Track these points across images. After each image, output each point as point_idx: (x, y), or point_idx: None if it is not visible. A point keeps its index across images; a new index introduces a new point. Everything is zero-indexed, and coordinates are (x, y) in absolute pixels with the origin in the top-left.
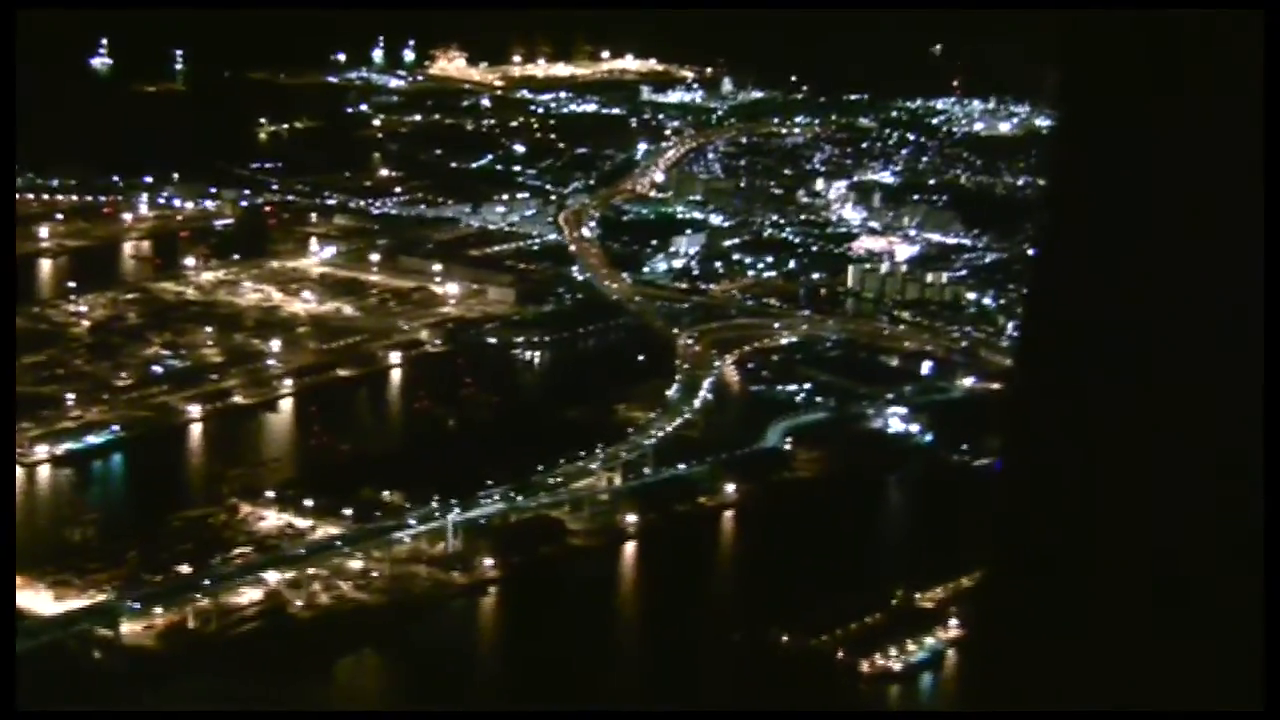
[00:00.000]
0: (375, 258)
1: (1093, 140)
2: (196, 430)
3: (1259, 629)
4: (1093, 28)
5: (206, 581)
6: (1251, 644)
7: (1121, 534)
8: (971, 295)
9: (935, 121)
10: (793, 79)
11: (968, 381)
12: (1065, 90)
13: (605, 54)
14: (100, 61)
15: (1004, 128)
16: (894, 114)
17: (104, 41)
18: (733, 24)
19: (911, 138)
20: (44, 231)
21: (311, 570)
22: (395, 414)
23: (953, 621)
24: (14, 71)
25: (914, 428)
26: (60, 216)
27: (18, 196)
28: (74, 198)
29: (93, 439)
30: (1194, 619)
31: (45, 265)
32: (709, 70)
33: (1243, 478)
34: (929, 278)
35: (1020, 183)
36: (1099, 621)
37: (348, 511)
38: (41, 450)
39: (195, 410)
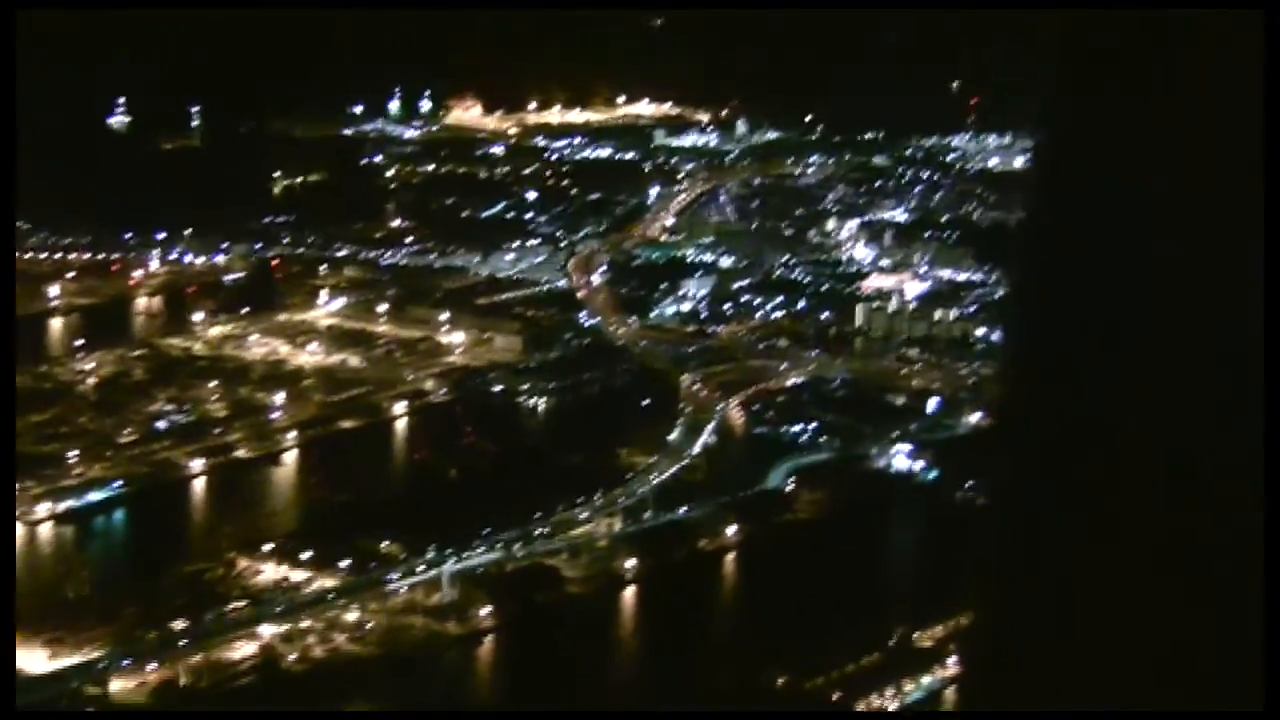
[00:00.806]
0: (382, 308)
1: (1086, 141)
2: (198, 485)
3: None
4: (1088, 28)
5: (199, 637)
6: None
7: (1123, 539)
8: (981, 331)
9: (950, 158)
10: (807, 119)
11: (974, 418)
12: (1057, 90)
13: (621, 99)
14: (119, 119)
15: (1018, 162)
16: (908, 152)
17: (122, 100)
18: (747, 66)
19: (925, 175)
20: (54, 290)
21: (305, 623)
22: (396, 465)
23: (951, 660)
24: (14, 72)
25: (918, 466)
26: (71, 275)
27: (30, 256)
28: (86, 255)
29: (94, 496)
30: (1200, 624)
31: (54, 324)
32: (725, 113)
33: (1244, 479)
34: (937, 315)
35: None
36: (1099, 628)
37: (345, 563)
38: (43, 509)
39: (197, 465)
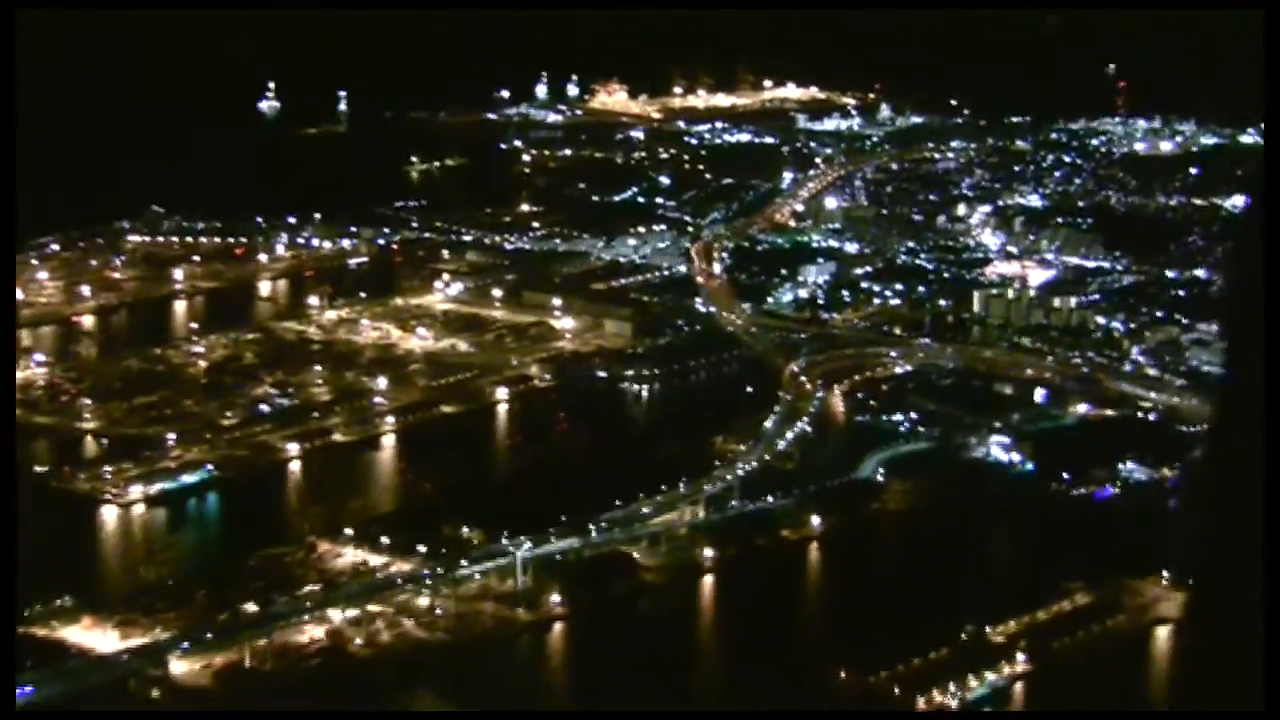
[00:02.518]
0: (498, 293)
1: None
2: (292, 468)
3: None
4: None
5: (269, 620)
6: None
7: None
8: (1101, 320)
9: (1096, 142)
10: (953, 103)
11: (1080, 408)
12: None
13: (767, 83)
14: (268, 105)
15: (1165, 146)
16: (1054, 135)
17: (271, 85)
18: (895, 49)
19: (1068, 159)
20: (179, 274)
21: (375, 608)
22: (489, 451)
23: (1020, 656)
24: (14, 71)
25: (1016, 457)
26: (197, 259)
27: (161, 240)
28: (216, 240)
29: (187, 479)
30: None
31: (176, 307)
32: (870, 96)
33: None
34: (1056, 302)
35: (1173, 202)
36: None
37: (423, 549)
38: (136, 490)
39: (294, 449)
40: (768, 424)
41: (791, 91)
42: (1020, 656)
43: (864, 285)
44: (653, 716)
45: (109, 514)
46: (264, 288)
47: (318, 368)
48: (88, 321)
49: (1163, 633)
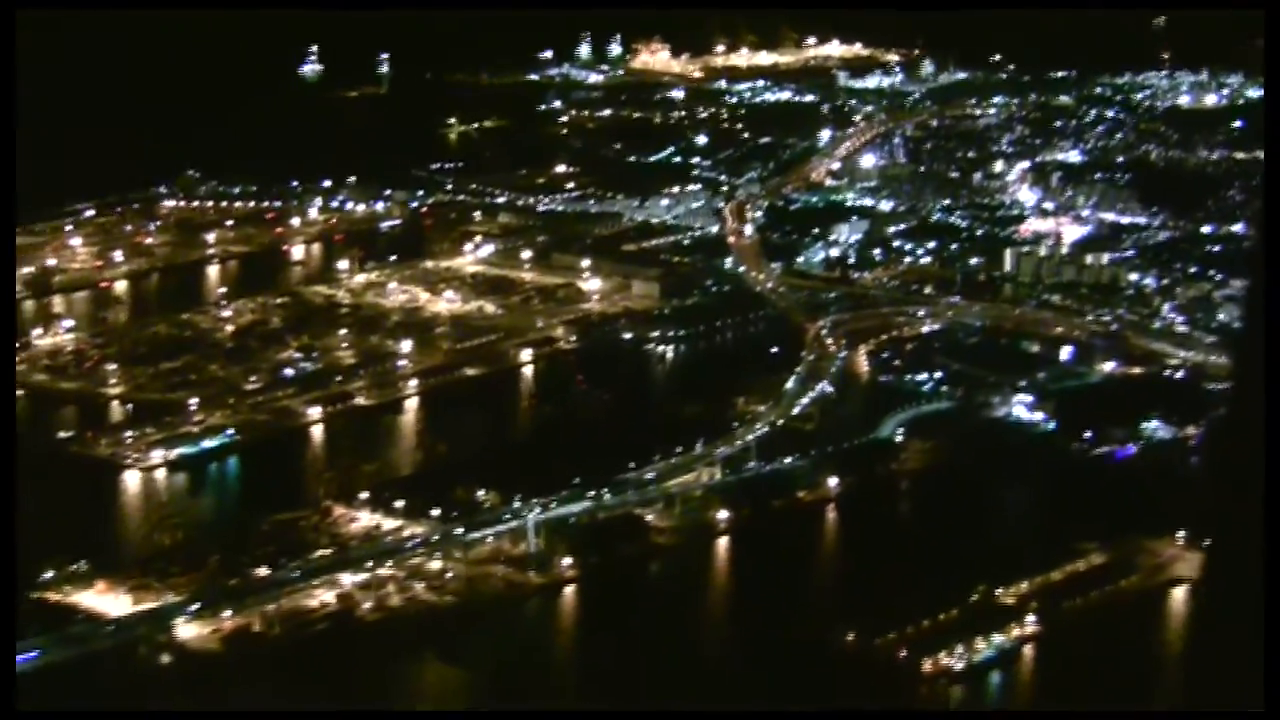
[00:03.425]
0: (527, 255)
1: None
2: (314, 433)
3: None
4: None
5: (280, 584)
6: None
7: None
8: (1133, 276)
9: (1139, 96)
10: (996, 58)
11: (1107, 367)
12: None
13: (811, 41)
14: (310, 68)
15: (1209, 100)
16: (1098, 90)
17: (314, 48)
18: (940, 4)
19: (1110, 115)
20: (211, 237)
21: (385, 572)
22: (512, 413)
23: (1030, 618)
24: (14, 71)
25: (1038, 416)
26: (231, 223)
27: (196, 205)
28: (251, 204)
29: (208, 443)
30: None
31: (209, 271)
32: (914, 53)
33: None
34: (1089, 259)
35: (1214, 156)
36: None
37: (436, 512)
38: (157, 455)
39: (315, 413)
40: (789, 385)
41: (835, 49)
42: (1030, 618)
43: (896, 244)
44: (653, 716)
45: (130, 479)
46: (296, 252)
47: (343, 332)
48: (119, 287)
49: (1177, 593)
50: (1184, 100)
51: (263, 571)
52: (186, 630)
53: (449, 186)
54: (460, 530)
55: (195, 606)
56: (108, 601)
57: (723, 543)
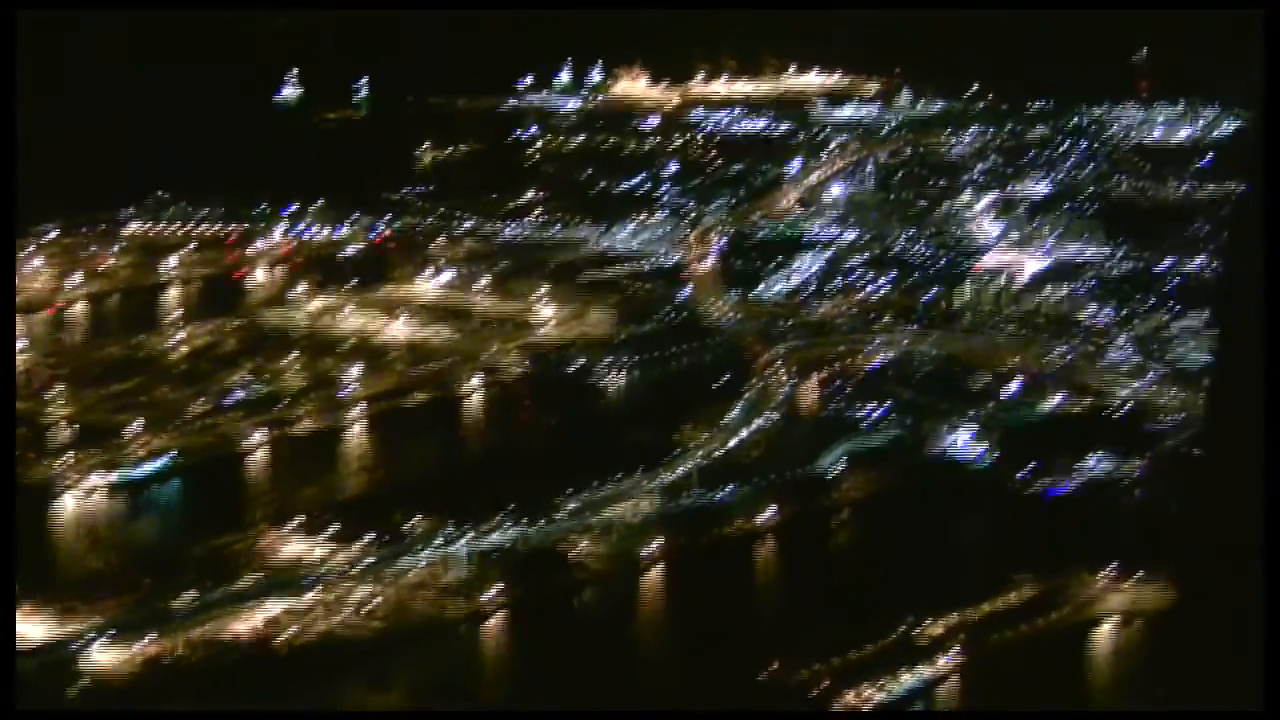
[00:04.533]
0: (486, 281)
1: None
2: (256, 457)
3: None
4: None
5: (204, 610)
6: None
7: None
8: (1091, 309)
9: (1114, 129)
10: (974, 88)
11: (1055, 400)
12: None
13: (791, 69)
14: (290, 91)
15: (1183, 133)
16: (1073, 122)
17: (295, 71)
18: (918, 33)
19: (1083, 146)
20: (173, 260)
21: (312, 598)
22: (456, 439)
23: (952, 652)
24: (14, 71)
25: (982, 447)
26: (193, 246)
27: (160, 227)
28: (216, 227)
29: (148, 466)
30: None
31: (167, 295)
32: (892, 82)
33: None
34: (1047, 290)
35: (1182, 189)
36: None
37: (368, 538)
38: (96, 478)
39: (259, 436)
40: (734, 413)
41: (814, 78)
42: (954, 650)
43: (856, 274)
44: (653, 716)
45: (67, 502)
46: (257, 276)
47: (294, 355)
48: (77, 309)
49: (1105, 627)
50: (1158, 133)
51: (190, 596)
52: (106, 655)
53: (417, 212)
54: (390, 557)
55: (114, 632)
56: (30, 626)
57: (656, 572)
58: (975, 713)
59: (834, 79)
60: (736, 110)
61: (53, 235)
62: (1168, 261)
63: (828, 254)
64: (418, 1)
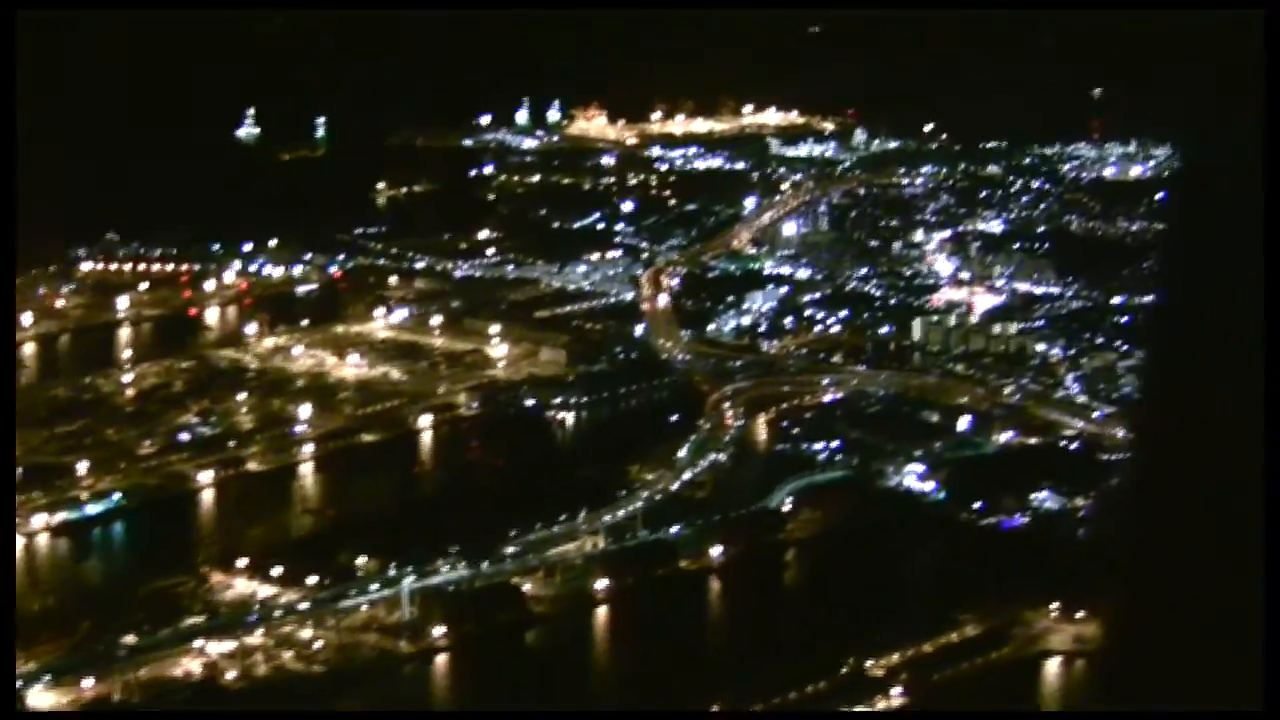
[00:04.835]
0: (438, 320)
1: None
2: (203, 498)
3: None
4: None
5: (145, 652)
6: None
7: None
8: (1041, 346)
9: (1067, 167)
10: (929, 128)
11: (1003, 437)
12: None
13: (748, 109)
14: (246, 130)
15: (1135, 171)
16: (1026, 160)
17: (250, 111)
18: (873, 75)
19: (1036, 185)
20: (124, 301)
21: (254, 639)
22: (404, 479)
23: (896, 690)
24: (14, 71)
25: (930, 486)
26: (146, 286)
27: (114, 266)
28: (169, 267)
29: (93, 508)
30: None
31: (118, 335)
32: (848, 120)
33: None
34: (997, 329)
35: (1134, 227)
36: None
37: (313, 579)
38: (39, 520)
39: (207, 477)
40: (682, 452)
41: (771, 117)
42: (897, 690)
43: (809, 312)
44: (653, 716)
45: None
46: (210, 315)
47: (243, 396)
48: (27, 350)
49: (1050, 665)
50: (1110, 171)
51: (130, 639)
52: (44, 698)
53: (371, 250)
54: (333, 597)
55: (49, 676)
56: None
57: (602, 612)
58: (977, 713)
59: (790, 117)
60: (693, 148)
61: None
62: (1118, 299)
63: (780, 292)
64: (380, 40)
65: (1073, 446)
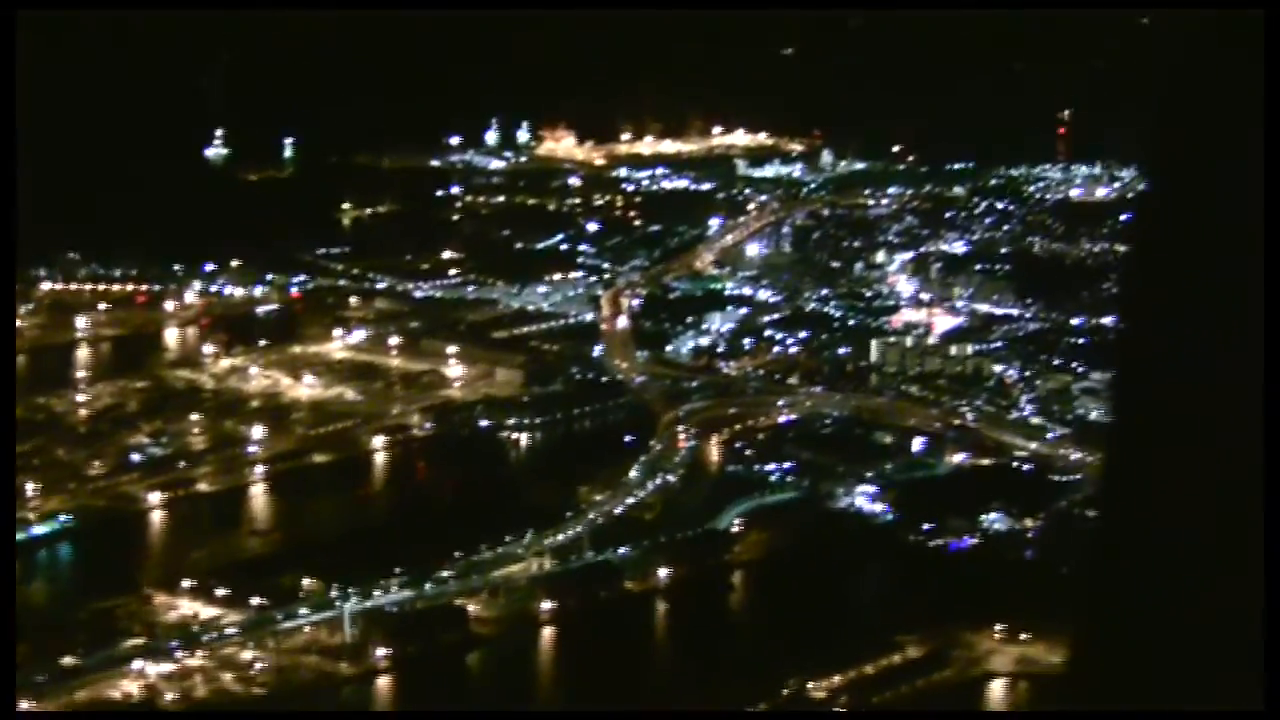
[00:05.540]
0: (396, 341)
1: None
2: (150, 519)
3: None
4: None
5: (83, 674)
6: None
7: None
8: (997, 367)
9: (1032, 188)
10: (897, 149)
11: (956, 458)
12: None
13: (717, 130)
14: (214, 151)
15: (1100, 193)
16: (992, 182)
17: (220, 132)
18: (841, 96)
19: (1000, 206)
20: (82, 321)
21: (193, 662)
22: (354, 500)
23: (841, 710)
24: (14, 72)
25: (879, 507)
26: (105, 306)
27: (73, 286)
28: (129, 287)
29: (39, 529)
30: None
31: (75, 355)
32: (814, 141)
33: None
34: (953, 350)
35: (1096, 249)
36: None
37: (257, 600)
38: None
39: (155, 498)
40: (633, 473)
41: (739, 138)
42: (843, 708)
43: (768, 333)
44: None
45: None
46: (168, 335)
47: (196, 416)
48: None
49: (992, 686)
50: (1075, 193)
51: (68, 660)
52: None
53: (332, 271)
54: (274, 619)
55: None
56: None
57: (545, 633)
58: (973, 712)
59: (758, 138)
60: (660, 169)
61: None
62: (1076, 320)
63: (740, 313)
64: (353, 59)
65: (1024, 468)
